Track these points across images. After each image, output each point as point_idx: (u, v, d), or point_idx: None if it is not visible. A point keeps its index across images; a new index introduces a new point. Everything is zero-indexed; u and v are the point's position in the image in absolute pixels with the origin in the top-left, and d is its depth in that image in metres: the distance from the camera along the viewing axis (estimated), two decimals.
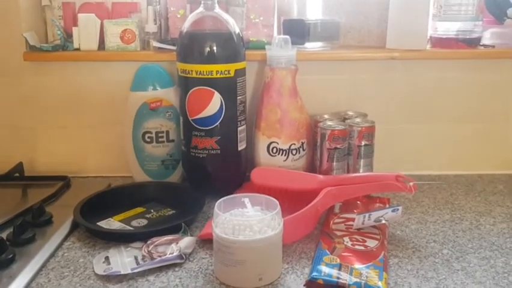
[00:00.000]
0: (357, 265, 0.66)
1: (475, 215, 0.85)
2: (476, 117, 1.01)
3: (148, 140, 0.94)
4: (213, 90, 0.85)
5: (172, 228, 0.76)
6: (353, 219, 0.79)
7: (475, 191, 0.95)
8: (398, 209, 0.78)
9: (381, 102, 1.00)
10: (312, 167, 0.96)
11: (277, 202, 0.67)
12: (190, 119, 0.87)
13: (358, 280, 0.62)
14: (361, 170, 0.92)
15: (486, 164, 1.03)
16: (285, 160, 0.92)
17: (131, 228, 0.79)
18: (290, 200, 0.82)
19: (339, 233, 0.76)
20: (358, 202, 0.85)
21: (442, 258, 0.71)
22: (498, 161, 1.03)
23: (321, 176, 0.83)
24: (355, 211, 0.83)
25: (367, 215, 0.79)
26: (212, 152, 0.87)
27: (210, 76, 0.84)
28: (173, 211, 0.86)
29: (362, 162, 0.91)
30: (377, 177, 0.78)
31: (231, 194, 0.75)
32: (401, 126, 1.01)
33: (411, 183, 0.76)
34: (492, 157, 1.03)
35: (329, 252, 0.70)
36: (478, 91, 1.00)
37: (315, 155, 0.94)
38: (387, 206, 0.85)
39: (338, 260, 0.68)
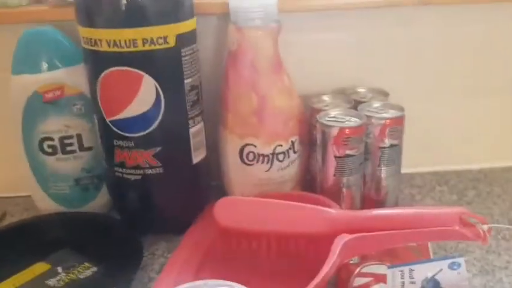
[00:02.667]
0: None
1: None
2: None
3: (49, 150, 0.59)
4: (141, 72, 0.50)
5: None
6: (384, 278, 0.48)
7: None
8: (459, 264, 0.47)
9: (403, 72, 0.67)
10: (311, 178, 0.63)
11: None
12: (107, 120, 0.53)
13: None
14: (384, 183, 0.60)
15: None
16: (268, 170, 0.59)
17: None
18: (281, 255, 0.50)
19: None
20: None
21: None
22: None
23: (332, 211, 0.50)
24: (384, 259, 0.52)
25: (406, 269, 0.48)
26: (150, 171, 0.54)
27: (133, 49, 0.49)
28: (95, 268, 0.54)
29: (384, 170, 0.59)
30: (427, 216, 0.47)
31: (183, 232, 0.55)
32: (429, 104, 0.68)
33: (485, 227, 0.45)
34: None
35: None
36: None
37: (312, 158, 0.62)
38: (434, 255, 0.54)
39: None
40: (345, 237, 0.46)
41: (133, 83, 0.50)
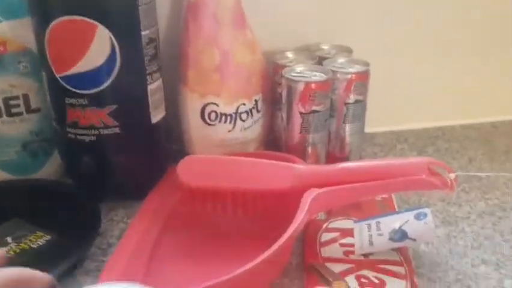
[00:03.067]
0: None
1: None
2: (495, 44, 0.70)
3: None
4: (94, 22, 0.46)
5: None
6: (351, 232, 0.48)
7: (497, 151, 0.66)
8: (425, 215, 0.47)
9: (367, 29, 0.66)
10: (274, 138, 0.62)
11: None
12: (57, 76, 0.48)
13: None
14: (348, 141, 0.59)
15: (501, 108, 0.74)
16: (231, 130, 0.57)
17: None
18: (248, 215, 0.49)
19: (336, 268, 0.44)
20: None
21: None
22: None
23: (300, 166, 0.49)
24: (350, 213, 0.51)
25: (373, 222, 0.48)
26: (105, 131, 0.50)
27: None
28: (49, 236, 0.50)
29: (349, 127, 0.58)
30: (395, 167, 0.46)
31: (143, 197, 0.53)
32: (391, 63, 0.67)
33: (451, 175, 0.45)
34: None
35: None
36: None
37: (276, 118, 0.60)
38: (398, 209, 0.54)
39: None
40: (314, 192, 0.45)
41: (86, 35, 0.46)
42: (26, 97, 0.55)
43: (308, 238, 0.49)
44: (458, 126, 0.73)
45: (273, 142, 0.62)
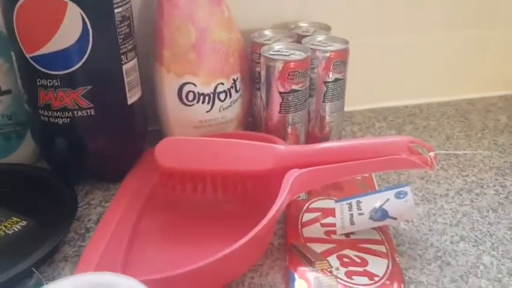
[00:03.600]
0: None
1: (494, 174, 0.57)
2: (472, 21, 0.70)
3: None
4: None
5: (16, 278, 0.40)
6: (332, 212, 0.48)
7: (474, 128, 0.67)
8: (405, 193, 0.47)
9: (345, 5, 0.65)
10: (253, 118, 0.61)
11: None
12: (27, 57, 0.46)
13: None
14: (328, 119, 0.59)
15: (478, 85, 0.75)
16: (209, 110, 0.56)
17: None
18: (228, 197, 0.48)
19: (318, 248, 0.44)
20: None
21: (488, 276, 0.43)
22: (496, 80, 0.75)
23: (280, 147, 0.48)
24: (331, 193, 0.51)
25: (354, 202, 0.48)
26: (79, 113, 0.49)
27: None
28: (24, 222, 0.49)
29: (328, 106, 0.58)
30: (376, 146, 0.46)
31: (120, 180, 0.52)
32: (368, 42, 0.67)
33: (431, 154, 0.45)
34: (488, 75, 0.74)
35: None
36: None
37: (255, 97, 0.59)
38: (378, 187, 0.54)
39: None
40: (295, 172, 0.44)
41: (56, 12, 0.44)
42: None
43: (290, 219, 0.49)
44: (435, 104, 0.73)
45: (252, 122, 0.61)
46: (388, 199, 0.47)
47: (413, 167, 0.45)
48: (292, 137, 0.56)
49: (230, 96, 0.57)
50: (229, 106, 0.57)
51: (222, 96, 0.56)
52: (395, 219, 0.46)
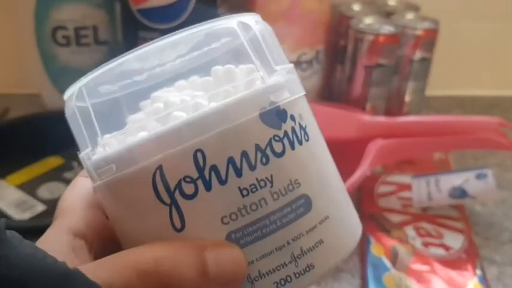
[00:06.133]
0: None
1: None
2: None
3: (63, 41, 0.56)
4: None
5: None
6: (408, 187, 0.48)
7: None
8: (486, 175, 0.47)
9: None
10: (328, 92, 0.62)
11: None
12: (133, 8, 0.49)
13: None
14: (408, 99, 0.59)
15: None
16: None
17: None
18: None
19: (394, 218, 0.45)
20: None
21: None
22: None
23: (365, 117, 0.49)
24: (407, 170, 0.52)
25: (432, 179, 0.48)
26: None
27: None
28: None
29: (410, 85, 0.58)
30: (464, 124, 0.46)
31: None
32: (454, 26, 0.65)
33: None
34: None
35: (389, 264, 0.40)
36: None
37: (334, 71, 0.60)
38: (461, 168, 0.54)
39: (412, 285, 0.38)
40: (379, 142, 0.45)
41: None
42: (95, 28, 0.56)
43: (365, 189, 0.49)
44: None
45: (328, 97, 0.62)
46: (468, 179, 0.47)
47: (500, 149, 0.44)
48: (371, 113, 0.57)
49: (311, 67, 0.58)
50: (309, 76, 0.58)
51: (304, 65, 0.57)
52: (474, 198, 0.46)
